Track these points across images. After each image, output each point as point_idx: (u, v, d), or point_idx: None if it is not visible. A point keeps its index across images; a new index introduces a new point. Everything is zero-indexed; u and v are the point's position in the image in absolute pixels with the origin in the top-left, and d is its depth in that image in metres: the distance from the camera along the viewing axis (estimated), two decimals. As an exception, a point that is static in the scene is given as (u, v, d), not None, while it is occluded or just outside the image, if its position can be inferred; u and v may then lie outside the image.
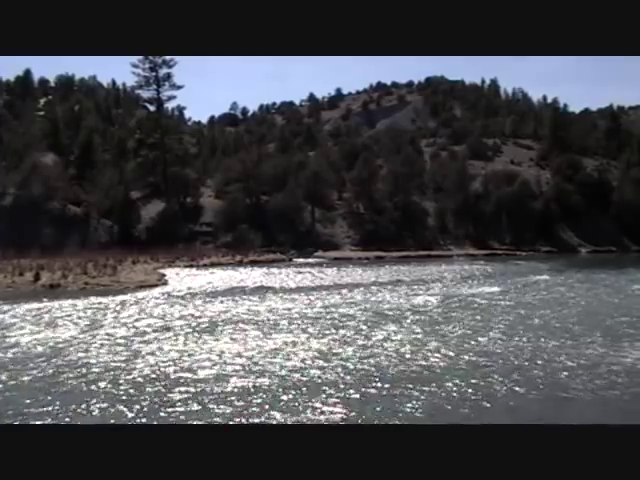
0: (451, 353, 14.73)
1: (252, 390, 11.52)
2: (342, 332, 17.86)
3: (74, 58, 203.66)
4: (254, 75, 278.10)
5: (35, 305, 24.38)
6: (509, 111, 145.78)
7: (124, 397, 11.22)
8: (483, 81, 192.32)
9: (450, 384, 11.93)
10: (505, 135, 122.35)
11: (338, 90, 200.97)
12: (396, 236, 69.71)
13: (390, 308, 23.27)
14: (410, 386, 11.75)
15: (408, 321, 19.96)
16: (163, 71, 74.02)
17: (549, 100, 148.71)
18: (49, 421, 9.79)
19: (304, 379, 12.33)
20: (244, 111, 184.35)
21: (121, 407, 10.57)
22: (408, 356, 14.43)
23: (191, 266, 49.17)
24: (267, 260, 55.13)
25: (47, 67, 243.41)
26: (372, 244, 66.82)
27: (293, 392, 11.37)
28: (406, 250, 65.21)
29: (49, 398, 11.13)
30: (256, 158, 79.85)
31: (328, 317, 20.90)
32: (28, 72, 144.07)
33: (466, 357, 14.30)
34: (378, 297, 27.10)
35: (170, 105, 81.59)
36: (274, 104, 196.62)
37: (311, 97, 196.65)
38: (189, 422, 9.72)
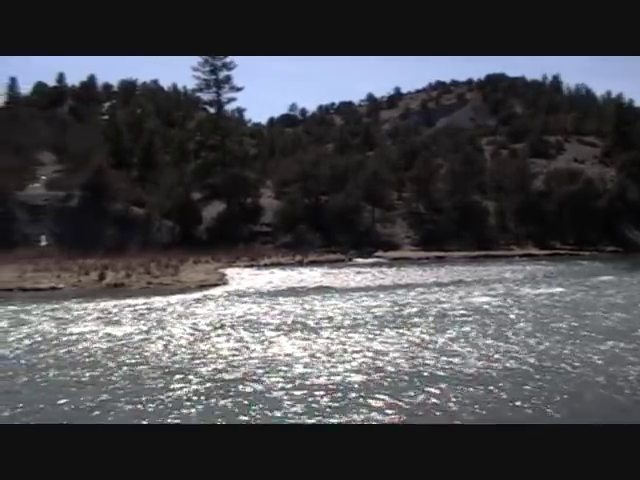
0: (514, 355, 14.51)
1: (312, 390, 11.54)
2: (404, 333, 17.77)
3: (137, 63, 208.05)
4: (313, 76, 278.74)
5: (100, 303, 24.89)
6: (571, 108, 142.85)
7: (188, 395, 11.35)
8: (545, 77, 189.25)
9: (518, 387, 11.75)
10: (568, 132, 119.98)
11: (397, 89, 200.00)
12: (456, 236, 68.93)
13: (452, 309, 23.06)
14: (471, 387, 11.61)
15: (471, 322, 19.75)
16: (223, 73, 74.60)
17: (613, 95, 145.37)
18: (119, 420, 9.98)
19: (368, 379, 12.29)
20: (303, 112, 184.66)
21: (185, 405, 10.71)
22: (472, 357, 14.26)
23: (251, 266, 49.51)
24: (327, 260, 55.10)
25: (110, 72, 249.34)
26: (432, 244, 66.28)
27: (357, 393, 11.34)
28: (466, 250, 64.37)
29: (108, 395, 11.35)
30: (315, 158, 80.00)
31: (389, 317, 20.83)
32: (92, 77, 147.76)
33: (530, 360, 14.06)
34: (439, 298, 26.86)
35: (230, 107, 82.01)
36: (333, 104, 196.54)
37: (370, 97, 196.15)
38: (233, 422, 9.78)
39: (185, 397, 11.18)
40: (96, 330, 18.77)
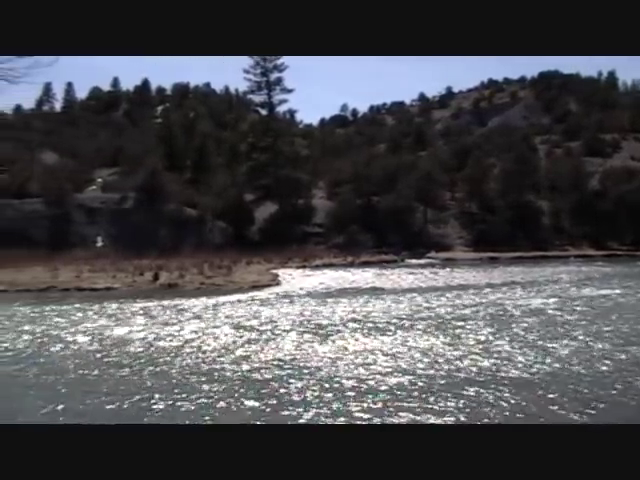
0: (562, 358, 14.27)
1: (361, 391, 11.53)
2: (452, 335, 17.63)
3: (189, 66, 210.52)
4: (364, 76, 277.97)
5: (153, 303, 25.26)
6: (628, 104, 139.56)
7: (224, 395, 11.44)
8: (600, 74, 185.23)
9: (562, 391, 11.56)
10: (624, 130, 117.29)
11: (448, 89, 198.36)
12: (509, 236, 67.94)
13: (504, 310, 22.79)
14: (514, 390, 11.46)
15: (521, 324, 19.49)
16: (274, 75, 75.05)
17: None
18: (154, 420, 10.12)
19: (418, 381, 12.23)
20: (354, 112, 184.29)
21: (222, 404, 10.81)
22: (517, 360, 14.07)
23: (304, 267, 49.62)
24: (379, 261, 54.95)
25: (164, 76, 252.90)
26: (485, 244, 65.51)
27: (403, 393, 11.30)
28: (520, 251, 63.38)
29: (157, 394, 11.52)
30: (366, 159, 79.89)
31: (438, 319, 20.68)
32: (146, 81, 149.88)
33: (577, 363, 13.82)
34: (492, 299, 26.57)
35: (281, 108, 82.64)
36: (384, 104, 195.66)
37: (421, 96, 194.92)
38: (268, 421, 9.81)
39: (220, 397, 11.27)
40: (145, 330, 19.06)
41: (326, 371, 13.10)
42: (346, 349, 15.48)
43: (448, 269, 46.22)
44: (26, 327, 19.94)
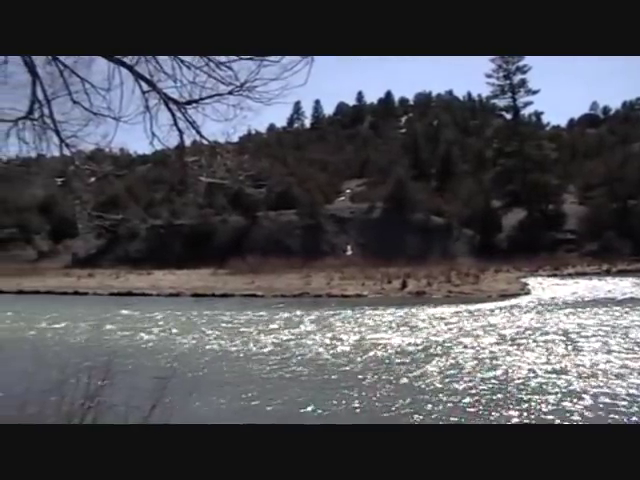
0: None
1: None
2: None
3: (430, 75, 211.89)
4: (614, 71, 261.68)
5: (401, 311, 25.61)
6: None
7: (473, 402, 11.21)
8: None
9: None
10: None
11: None
12: None
13: None
14: None
15: None
16: (517, 78, 73.14)
17: None
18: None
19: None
20: (605, 110, 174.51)
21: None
22: None
23: (554, 275, 47.64)
24: (638, 270, 51.30)
25: (406, 87, 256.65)
26: None
27: None
28: None
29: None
30: (621, 159, 75.25)
31: None
32: (389, 94, 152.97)
33: None
34: None
35: (526, 111, 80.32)
36: (639, 99, 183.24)
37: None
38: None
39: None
40: (390, 338, 19.32)
41: (575, 386, 12.43)
42: (608, 363, 14.64)
43: None
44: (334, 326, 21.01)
